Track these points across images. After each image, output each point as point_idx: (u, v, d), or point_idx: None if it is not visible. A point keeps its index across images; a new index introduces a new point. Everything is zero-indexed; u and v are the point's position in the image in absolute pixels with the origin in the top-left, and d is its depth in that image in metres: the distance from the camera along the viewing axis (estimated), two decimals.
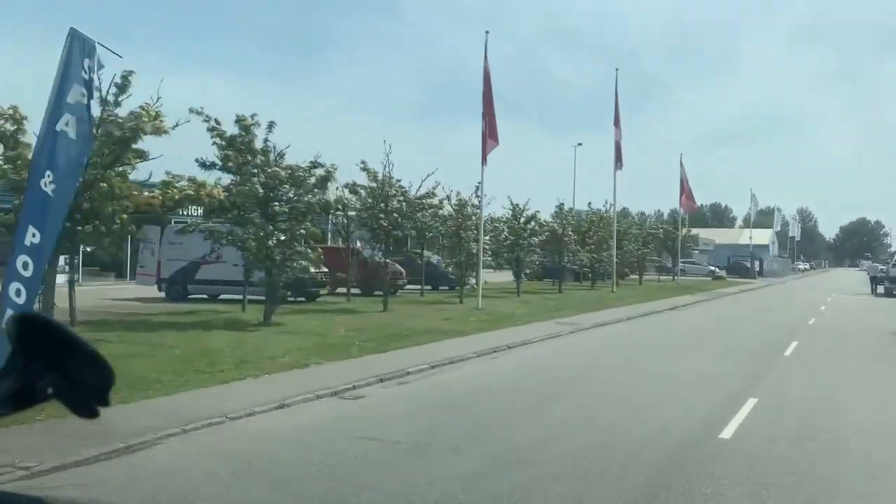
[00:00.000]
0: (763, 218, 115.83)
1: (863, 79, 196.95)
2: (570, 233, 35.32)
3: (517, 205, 31.23)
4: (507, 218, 31.78)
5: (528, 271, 36.31)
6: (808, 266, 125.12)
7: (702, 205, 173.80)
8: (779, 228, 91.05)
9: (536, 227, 31.76)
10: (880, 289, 43.68)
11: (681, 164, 48.02)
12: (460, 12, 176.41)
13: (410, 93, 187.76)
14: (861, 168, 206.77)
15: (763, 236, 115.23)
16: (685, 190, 48.16)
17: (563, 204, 35.49)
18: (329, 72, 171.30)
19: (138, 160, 12.93)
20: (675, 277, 53.14)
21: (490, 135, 23.08)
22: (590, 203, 42.27)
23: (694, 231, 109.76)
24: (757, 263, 74.79)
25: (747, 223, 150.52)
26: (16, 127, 11.96)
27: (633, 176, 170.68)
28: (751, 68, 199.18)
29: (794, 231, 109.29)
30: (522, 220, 31.11)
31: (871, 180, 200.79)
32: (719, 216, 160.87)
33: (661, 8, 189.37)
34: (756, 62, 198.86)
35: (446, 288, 31.48)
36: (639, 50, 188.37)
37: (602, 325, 20.31)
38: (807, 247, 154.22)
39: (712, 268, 72.31)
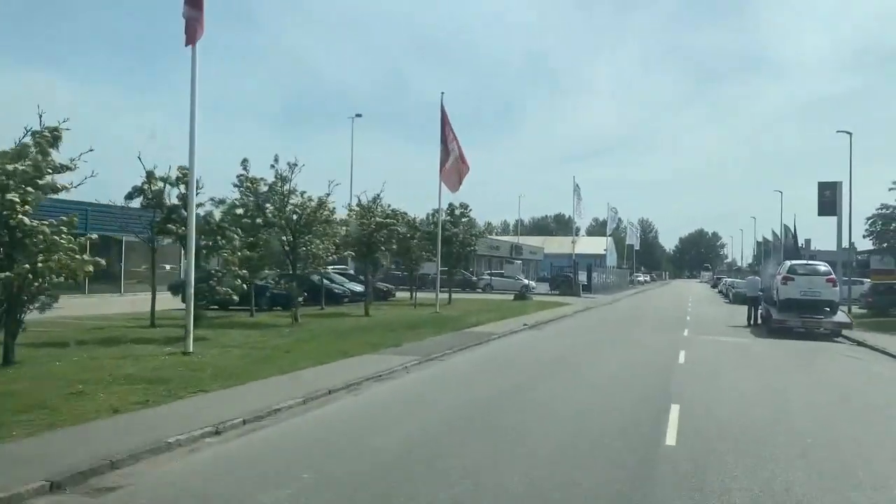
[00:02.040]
0: (604, 229, 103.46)
1: (704, 101, 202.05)
2: None
3: None
4: None
5: None
6: (648, 278, 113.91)
7: (546, 215, 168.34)
8: (612, 233, 74.91)
9: None
10: (761, 312, 25.97)
11: (441, 107, 27.80)
12: (321, 23, 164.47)
13: (269, 101, 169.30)
14: (700, 183, 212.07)
15: (598, 245, 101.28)
16: (452, 152, 27.81)
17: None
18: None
19: None
20: (449, 299, 33.32)
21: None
22: (245, 166, 21.08)
23: (509, 238, 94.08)
24: (585, 275, 56.97)
25: (590, 232, 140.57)
26: None
27: (489, 192, 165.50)
28: (605, 90, 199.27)
29: (633, 239, 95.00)
30: None
31: (709, 195, 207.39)
32: (564, 226, 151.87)
33: (520, 30, 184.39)
34: (610, 84, 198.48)
35: None
36: (499, 69, 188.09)
37: None
38: (648, 258, 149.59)
39: (526, 281, 53.83)
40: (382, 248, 25.83)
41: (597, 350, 17.75)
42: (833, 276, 22.53)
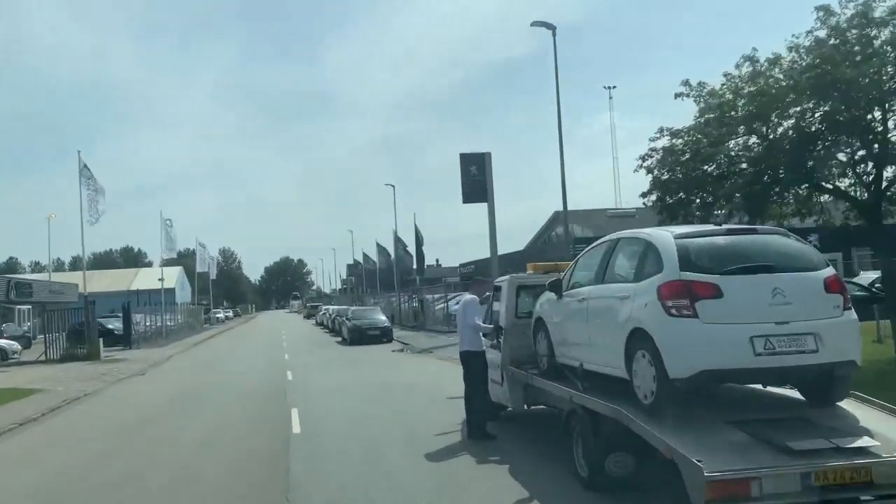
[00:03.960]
0: (186, 260, 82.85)
1: (277, 137, 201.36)
2: None
3: None
4: None
5: None
6: (230, 313, 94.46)
7: (111, 249, 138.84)
8: (165, 253, 54.02)
9: None
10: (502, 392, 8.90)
11: None
12: None
13: None
14: (284, 213, 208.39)
15: (168, 277, 78.40)
16: None
17: None
18: None
19: None
20: None
21: None
22: None
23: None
24: (122, 321, 35.39)
25: (168, 264, 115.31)
26: None
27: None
28: (178, 122, 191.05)
29: (204, 266, 74.19)
30: None
31: (293, 223, 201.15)
32: (132, 260, 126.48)
33: (81, 56, 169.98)
34: (182, 117, 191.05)
35: None
36: (60, 96, 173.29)
37: None
38: (232, 291, 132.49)
39: (5, 342, 29.94)
40: None
41: None
42: (836, 274, 6.14)
